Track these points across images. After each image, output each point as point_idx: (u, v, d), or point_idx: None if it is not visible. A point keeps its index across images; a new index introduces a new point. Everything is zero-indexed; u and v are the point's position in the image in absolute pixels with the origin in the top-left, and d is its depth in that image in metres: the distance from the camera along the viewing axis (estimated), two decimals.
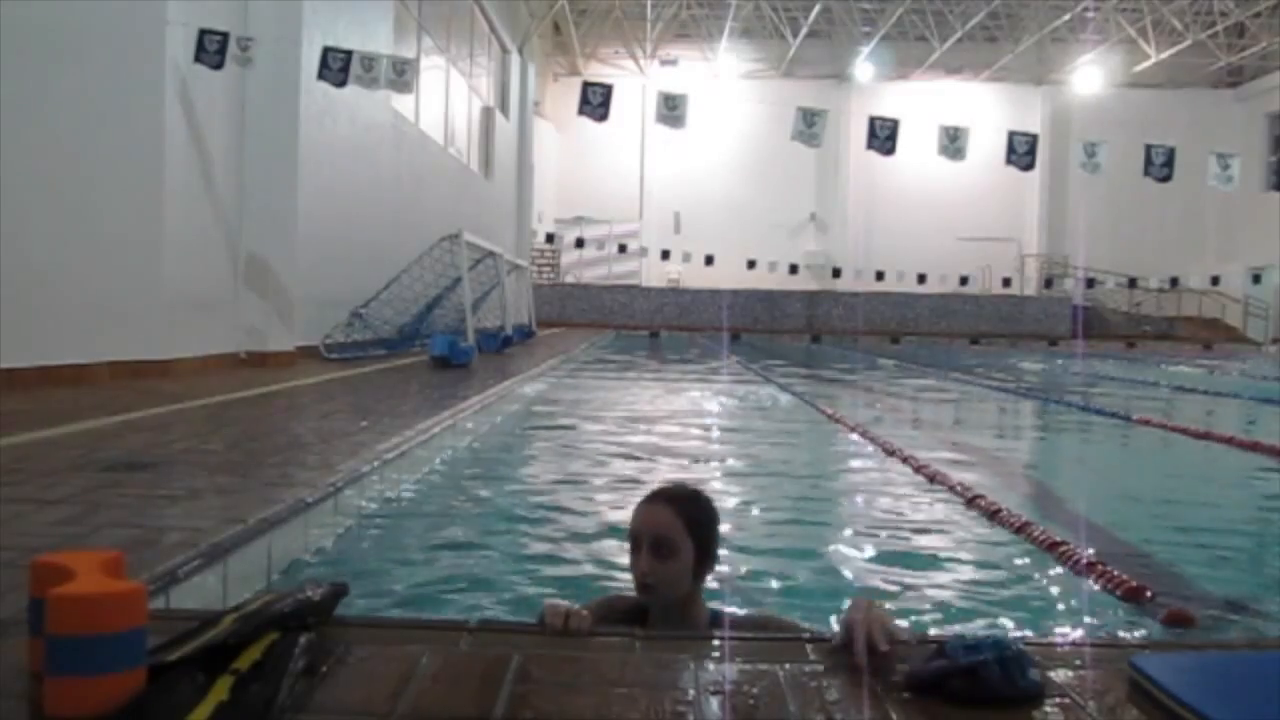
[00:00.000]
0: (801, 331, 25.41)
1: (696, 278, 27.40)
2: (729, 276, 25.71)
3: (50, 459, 3.68)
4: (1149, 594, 2.66)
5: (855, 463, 5.23)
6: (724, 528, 3.44)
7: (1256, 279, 26.22)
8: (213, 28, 8.06)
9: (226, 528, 2.55)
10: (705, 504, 2.15)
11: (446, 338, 10.27)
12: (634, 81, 27.21)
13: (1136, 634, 2.42)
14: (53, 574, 1.44)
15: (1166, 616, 2.48)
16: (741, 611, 2.14)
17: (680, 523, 2.05)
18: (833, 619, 1.61)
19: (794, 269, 26.00)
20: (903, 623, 2.43)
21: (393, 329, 11.91)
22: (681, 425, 6.89)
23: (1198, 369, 15.73)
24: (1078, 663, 1.64)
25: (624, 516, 3.45)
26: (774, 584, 2.71)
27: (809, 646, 1.71)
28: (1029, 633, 2.40)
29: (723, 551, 3.14)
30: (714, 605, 2.18)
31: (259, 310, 9.41)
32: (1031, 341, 25.33)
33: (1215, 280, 27.34)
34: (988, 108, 27.90)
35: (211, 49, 7.99)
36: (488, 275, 13.77)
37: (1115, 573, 2.82)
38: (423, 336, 12.02)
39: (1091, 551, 3.11)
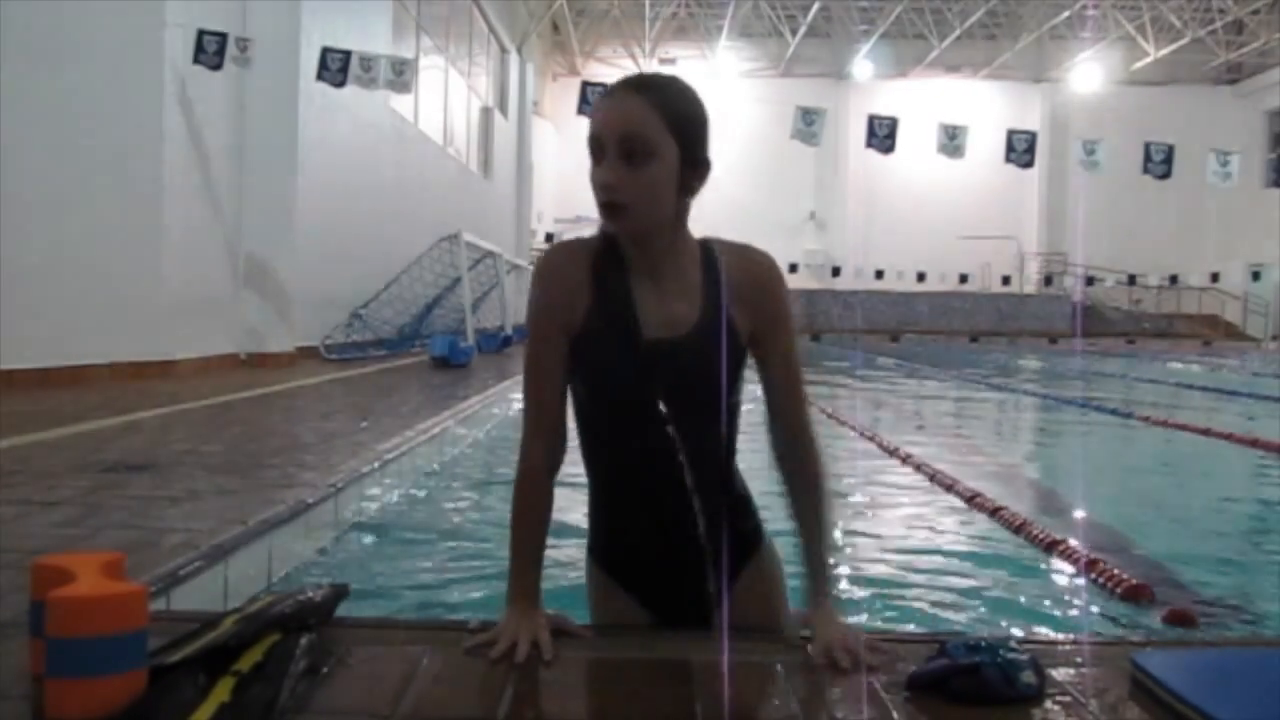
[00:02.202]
0: (801, 330, 25.39)
1: None
2: None
3: (51, 460, 3.68)
4: (1150, 592, 2.66)
5: (854, 461, 5.23)
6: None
7: (1256, 276, 26.23)
8: (211, 28, 8.07)
9: (227, 529, 2.55)
10: (686, 89, 1.66)
11: (446, 338, 10.28)
12: None
13: (1138, 632, 2.42)
14: (53, 576, 1.44)
15: (1168, 615, 2.48)
16: (734, 241, 1.76)
17: (656, 115, 1.58)
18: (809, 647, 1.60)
19: (793, 268, 25.98)
20: (909, 626, 2.43)
21: (392, 329, 11.92)
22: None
23: (1197, 366, 15.74)
24: (1079, 660, 1.63)
25: None
26: None
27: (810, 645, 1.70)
28: (1030, 631, 2.40)
29: None
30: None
31: (259, 311, 9.41)
32: (1031, 339, 25.34)
33: (1215, 277, 27.34)
34: (987, 105, 27.88)
35: (210, 50, 7.99)
36: (487, 275, 13.77)
37: (1116, 571, 2.82)
38: (422, 337, 12.03)
39: (1092, 550, 3.11)
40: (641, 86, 1.62)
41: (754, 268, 1.71)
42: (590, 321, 1.66)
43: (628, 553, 1.76)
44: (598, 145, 1.59)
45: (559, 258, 1.72)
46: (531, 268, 1.81)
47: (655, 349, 1.63)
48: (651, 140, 1.56)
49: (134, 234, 7.56)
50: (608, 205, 1.59)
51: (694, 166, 1.63)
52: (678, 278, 1.67)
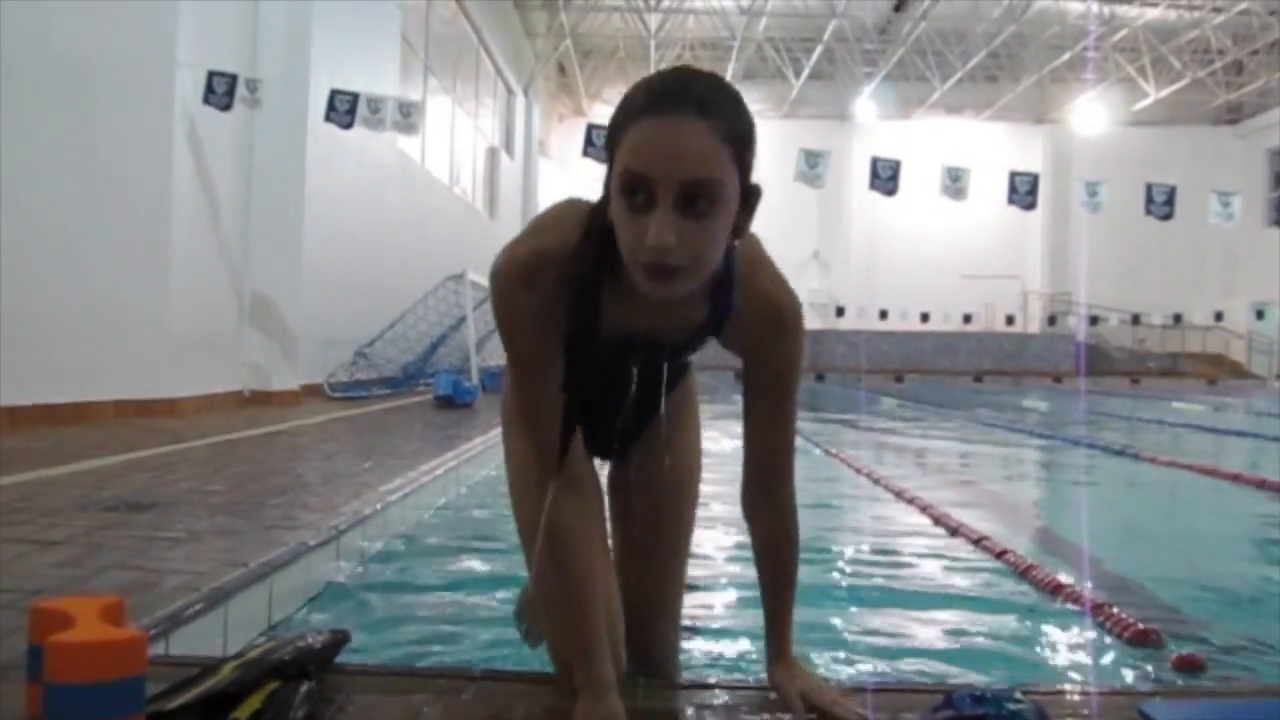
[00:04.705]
0: (805, 370, 25.36)
1: None
2: None
3: (53, 498, 3.68)
4: (1158, 637, 2.64)
5: (857, 502, 5.21)
6: (718, 569, 3.41)
7: (1260, 314, 26.22)
8: (221, 69, 8.15)
9: (228, 571, 2.54)
10: (737, 95, 1.31)
11: (450, 376, 10.28)
12: None
13: (1145, 679, 2.39)
14: (52, 620, 1.43)
15: (1176, 661, 2.46)
16: (762, 261, 1.49)
17: (724, 147, 1.24)
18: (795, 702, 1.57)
19: None
20: (913, 675, 2.40)
21: (397, 368, 11.93)
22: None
23: (1202, 405, 15.69)
24: (1085, 711, 1.62)
25: None
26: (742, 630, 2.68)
27: None
28: (1036, 678, 2.38)
29: (716, 599, 3.11)
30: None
31: (264, 349, 9.44)
32: (1036, 379, 25.30)
33: (1219, 316, 27.33)
34: (989, 146, 28.06)
35: (220, 90, 8.08)
36: (492, 314, 13.79)
37: (1123, 615, 2.79)
38: (427, 375, 12.04)
39: (1098, 593, 3.09)
40: (704, 107, 1.24)
41: (770, 313, 1.50)
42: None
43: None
44: (644, 188, 1.24)
45: (530, 261, 1.41)
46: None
47: (630, 344, 1.53)
48: (718, 184, 1.24)
49: (141, 272, 7.59)
50: (657, 268, 1.25)
51: (746, 199, 1.32)
52: (677, 310, 1.46)
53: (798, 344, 1.54)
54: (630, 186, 1.24)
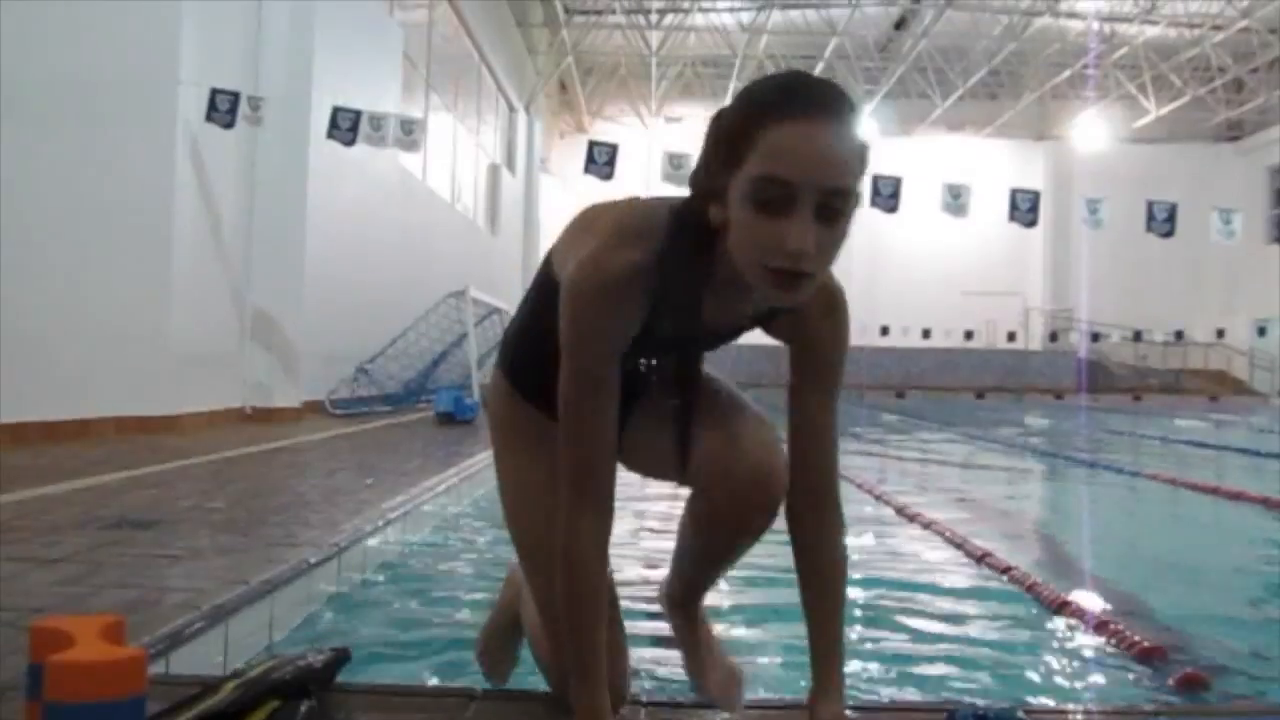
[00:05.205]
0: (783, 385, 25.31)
1: None
2: None
3: (53, 516, 3.67)
4: (1162, 655, 2.63)
5: (860, 518, 5.19)
6: (724, 592, 3.40)
7: (1261, 331, 26.23)
8: (224, 87, 8.19)
9: (228, 589, 2.53)
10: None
11: (451, 393, 10.28)
12: (639, 140, 27.51)
13: (1149, 698, 2.38)
14: (52, 639, 1.43)
15: (1180, 679, 2.44)
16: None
17: (859, 152, 1.26)
18: None
19: None
20: (915, 693, 2.39)
21: (398, 384, 11.93)
22: None
23: (1205, 422, 15.66)
24: None
25: (635, 575, 3.42)
26: (771, 648, 2.67)
27: None
28: (1039, 697, 2.36)
29: (727, 607, 3.11)
30: None
31: (265, 365, 9.45)
32: (1037, 395, 25.28)
33: (1220, 333, 27.32)
34: (990, 162, 28.12)
35: (223, 108, 8.11)
36: (493, 331, 13.81)
37: (1127, 632, 2.78)
38: (428, 391, 12.04)
39: (1102, 610, 3.07)
40: (844, 113, 1.25)
41: (822, 296, 1.46)
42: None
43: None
44: (784, 193, 1.22)
45: (622, 276, 1.34)
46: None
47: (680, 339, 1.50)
48: (853, 191, 1.26)
49: (143, 288, 7.61)
50: (789, 274, 1.25)
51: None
52: (751, 303, 1.45)
53: (846, 326, 1.50)
54: (765, 191, 1.23)
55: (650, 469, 1.70)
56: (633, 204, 1.48)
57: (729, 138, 1.28)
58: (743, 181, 1.25)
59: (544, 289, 1.55)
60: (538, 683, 1.99)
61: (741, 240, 1.27)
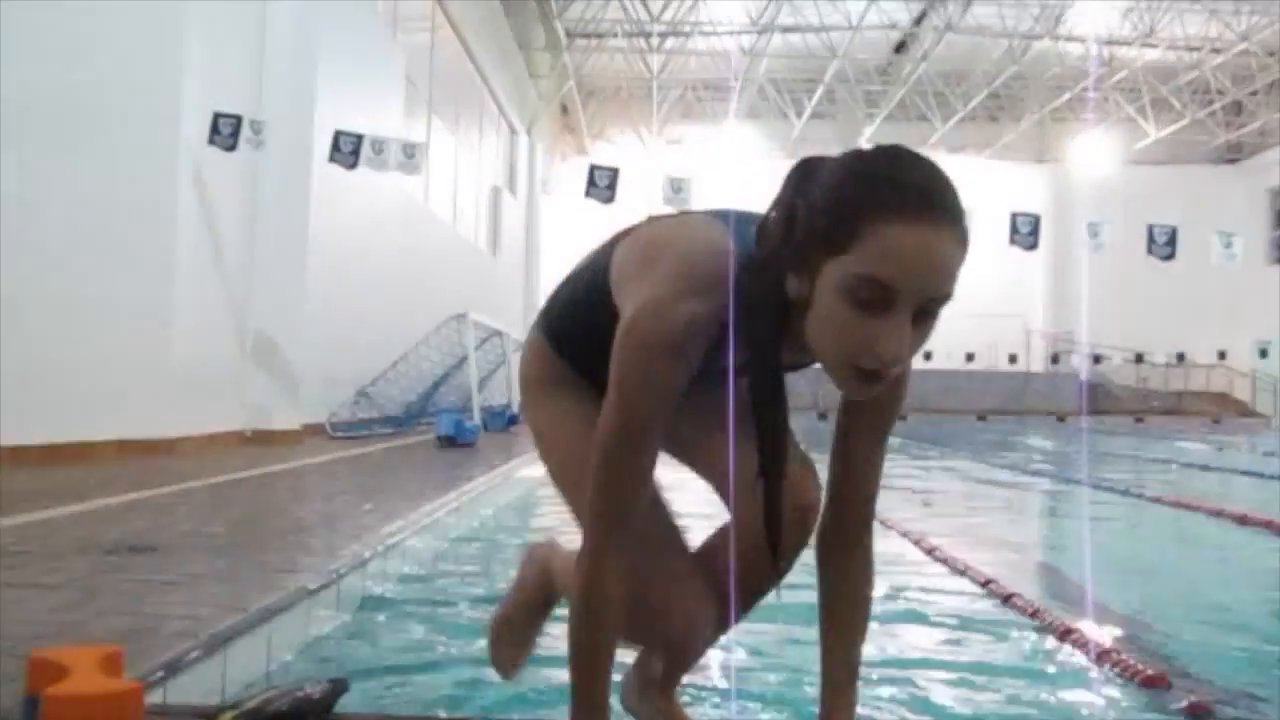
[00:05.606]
0: (808, 409, 25.34)
1: None
2: None
3: (53, 540, 3.67)
4: (1166, 682, 2.61)
5: None
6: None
7: (1263, 353, 26.24)
8: (226, 110, 8.23)
9: (227, 616, 2.52)
10: None
11: (452, 416, 10.28)
12: (640, 162, 27.63)
13: None
14: (49, 670, 1.42)
15: (1186, 708, 2.42)
16: None
17: (964, 257, 1.18)
18: None
19: None
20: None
21: (399, 407, 11.93)
22: (695, 494, 6.83)
23: (1207, 444, 15.63)
24: None
25: None
26: (773, 676, 2.65)
27: None
28: None
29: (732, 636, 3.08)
30: None
31: (265, 388, 9.45)
32: (1039, 417, 25.24)
33: (1222, 354, 27.32)
34: (990, 185, 28.10)
35: (225, 131, 8.16)
36: (494, 353, 13.82)
37: (1131, 660, 2.76)
38: (429, 414, 12.04)
39: (1106, 637, 3.06)
40: (957, 215, 1.17)
41: None
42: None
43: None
44: (885, 295, 1.14)
45: (685, 329, 1.27)
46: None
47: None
48: (953, 293, 1.18)
49: (144, 311, 7.62)
50: (872, 374, 1.19)
51: None
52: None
53: (909, 374, 1.43)
54: (866, 290, 1.14)
55: (698, 464, 1.73)
56: (700, 241, 1.36)
57: (831, 217, 1.18)
58: (842, 273, 1.16)
59: (595, 277, 1.51)
60: (538, 709, 1.97)
61: (827, 333, 1.20)
